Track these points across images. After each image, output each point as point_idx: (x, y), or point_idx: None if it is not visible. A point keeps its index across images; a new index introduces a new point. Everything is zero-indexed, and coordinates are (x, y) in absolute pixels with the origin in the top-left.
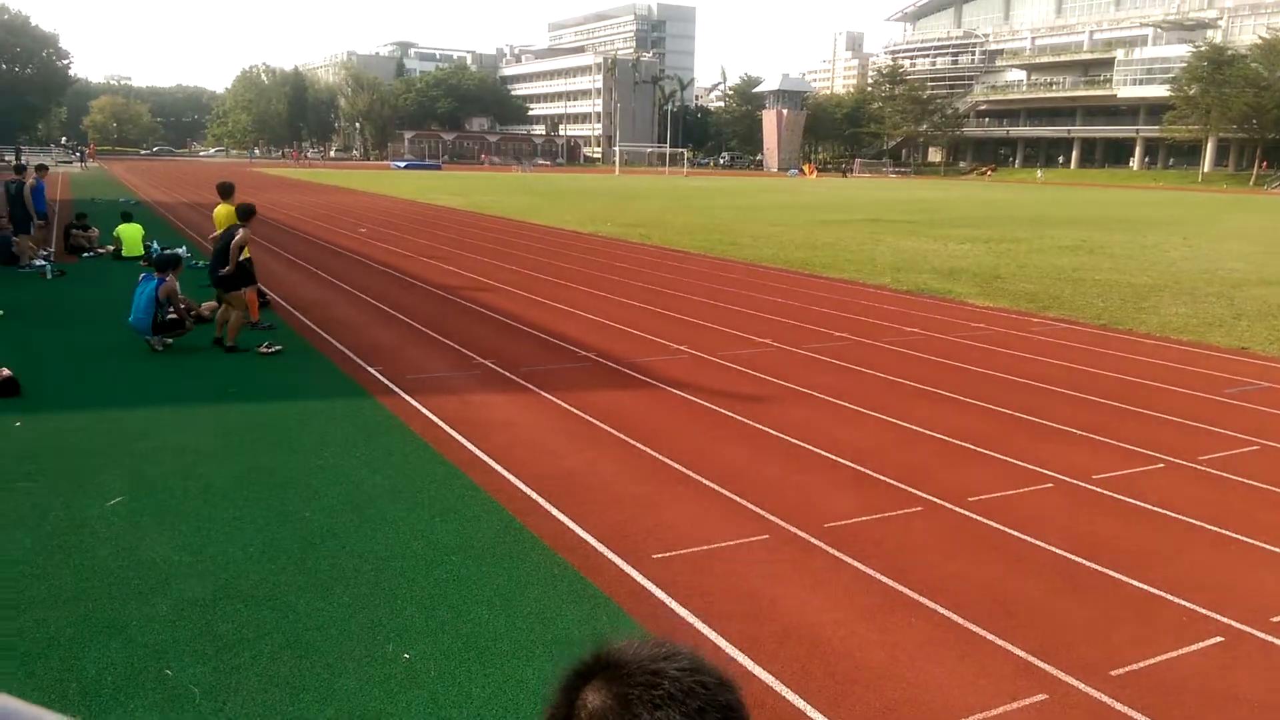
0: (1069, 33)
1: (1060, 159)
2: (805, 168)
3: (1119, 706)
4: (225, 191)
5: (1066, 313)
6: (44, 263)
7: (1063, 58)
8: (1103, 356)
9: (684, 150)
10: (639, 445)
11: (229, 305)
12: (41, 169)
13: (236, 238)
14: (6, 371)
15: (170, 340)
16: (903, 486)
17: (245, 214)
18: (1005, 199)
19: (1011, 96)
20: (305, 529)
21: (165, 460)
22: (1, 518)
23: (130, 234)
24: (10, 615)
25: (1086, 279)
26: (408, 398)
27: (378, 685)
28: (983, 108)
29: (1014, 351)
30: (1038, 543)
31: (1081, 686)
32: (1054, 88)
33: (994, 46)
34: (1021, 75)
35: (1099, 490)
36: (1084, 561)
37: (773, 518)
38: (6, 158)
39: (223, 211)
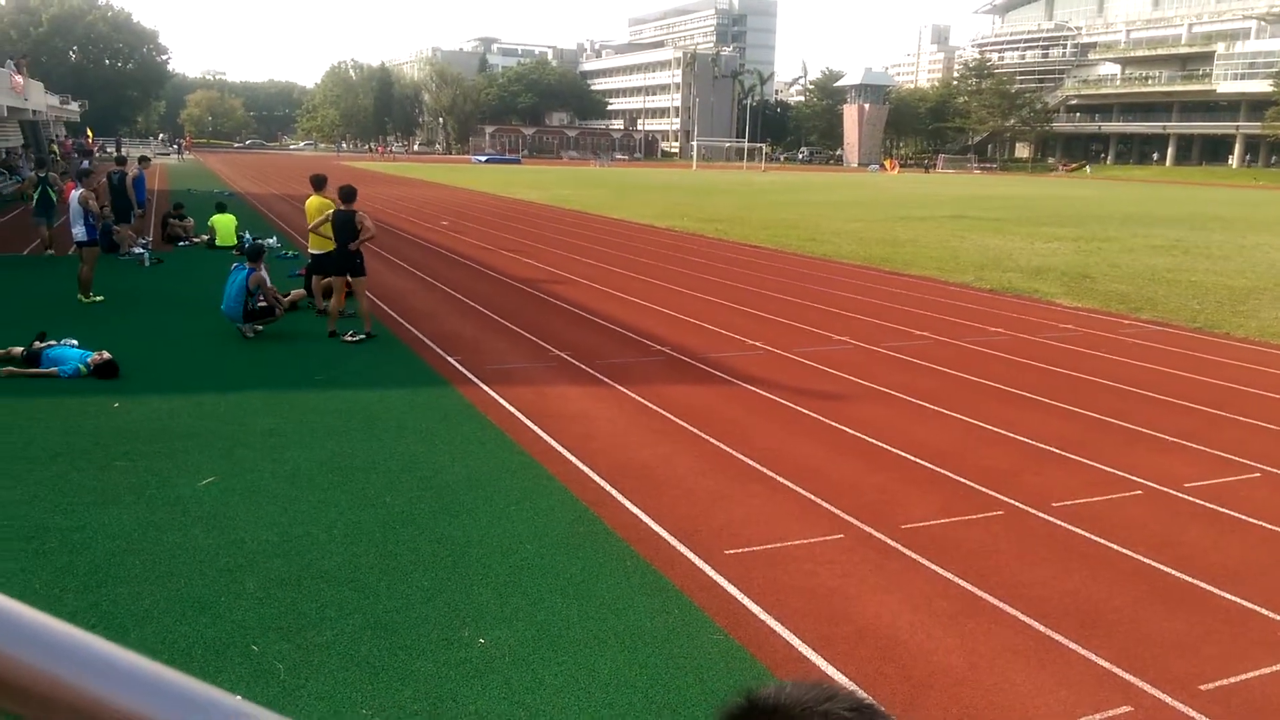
0: (1166, 25)
1: (1155, 156)
2: (887, 163)
3: None
4: (318, 184)
5: (1160, 315)
6: (142, 251)
7: (1159, 51)
8: (1198, 361)
9: (762, 145)
10: (713, 440)
11: (354, 293)
12: (144, 160)
13: (360, 215)
14: (106, 354)
15: (260, 327)
16: (983, 489)
17: (349, 196)
18: (1096, 196)
19: (1104, 91)
20: (386, 513)
21: (254, 443)
22: (101, 495)
23: (224, 224)
24: (108, 587)
25: (1182, 280)
26: (485, 388)
27: (454, 669)
28: (1073, 102)
29: (1103, 354)
30: (1125, 551)
31: (1168, 700)
32: (1149, 82)
33: (1086, 39)
34: (1115, 69)
35: (1191, 499)
36: (1173, 572)
37: (848, 517)
38: (108, 149)
39: (315, 203)
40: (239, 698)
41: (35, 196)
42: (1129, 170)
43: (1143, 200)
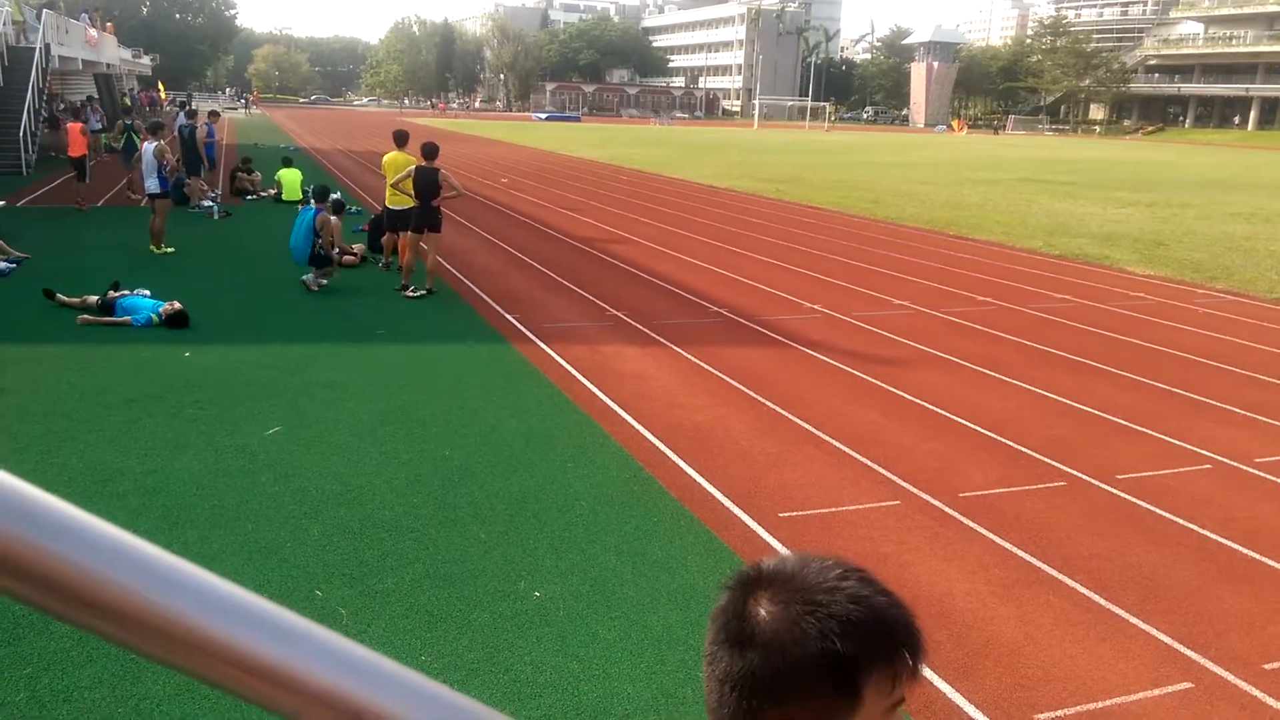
0: None
1: (1236, 119)
2: (954, 123)
3: (1271, 702)
4: (400, 139)
5: (1236, 284)
6: (211, 204)
7: (1245, 10)
8: (1273, 333)
9: (826, 104)
10: (769, 403)
11: (422, 249)
12: (213, 115)
13: (443, 172)
14: (177, 305)
15: (324, 281)
16: (1045, 459)
17: (432, 153)
18: (1173, 160)
19: (1185, 51)
20: (445, 467)
21: (318, 395)
22: (173, 441)
23: (290, 179)
24: (179, 530)
25: (1260, 249)
26: (543, 345)
27: (510, 620)
28: (1152, 62)
29: (1174, 324)
30: (1191, 526)
31: (1230, 678)
32: (1234, 42)
33: None
34: (1198, 28)
35: (1262, 474)
36: (1240, 548)
37: (905, 483)
38: (179, 102)
39: (398, 159)
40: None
41: (122, 142)
42: (1208, 134)
43: (1222, 165)
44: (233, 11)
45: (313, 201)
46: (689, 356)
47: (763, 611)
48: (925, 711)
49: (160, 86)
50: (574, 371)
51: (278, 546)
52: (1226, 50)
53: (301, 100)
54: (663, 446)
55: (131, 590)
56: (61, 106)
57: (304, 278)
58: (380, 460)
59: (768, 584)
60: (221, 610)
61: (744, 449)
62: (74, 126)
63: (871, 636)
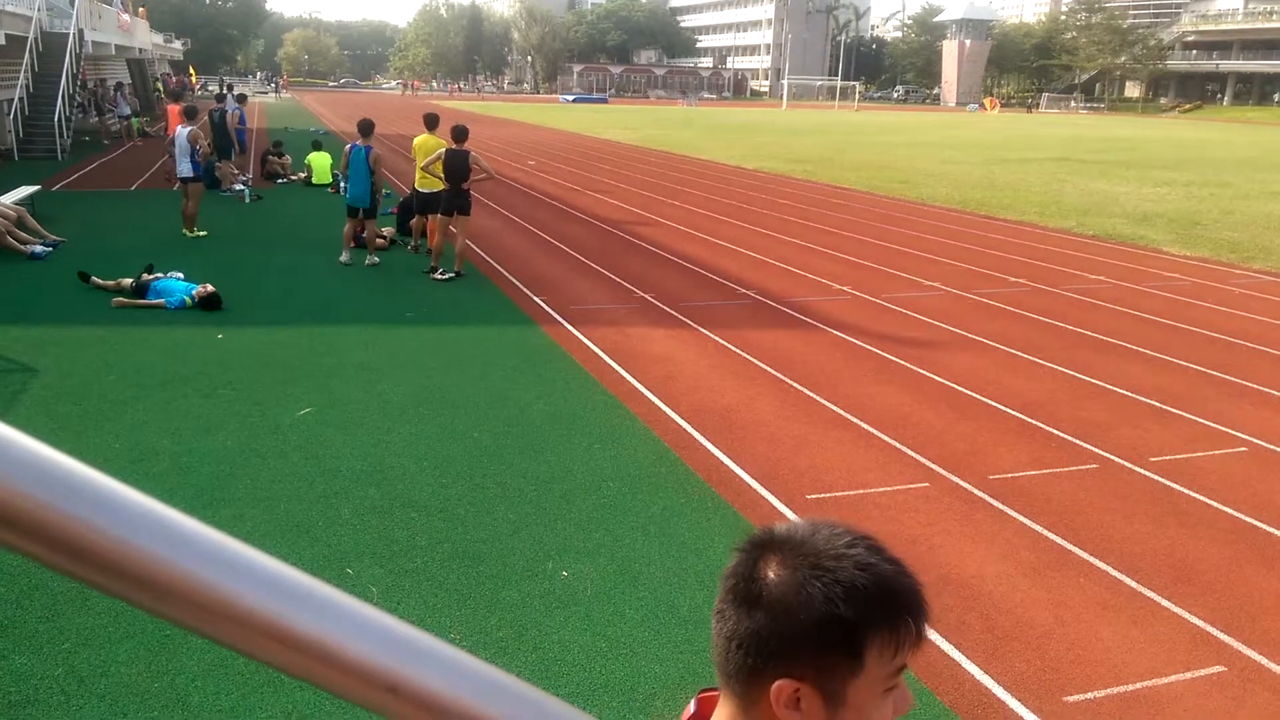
0: None
1: (1276, 97)
2: (987, 102)
3: None
4: (431, 123)
5: (1275, 265)
6: (243, 188)
7: None
8: None
9: (856, 84)
10: (796, 385)
11: (451, 232)
12: (241, 99)
13: (473, 155)
14: (210, 287)
15: (378, 259)
16: (1077, 441)
17: (462, 135)
18: (1211, 139)
19: (1224, 27)
20: (474, 447)
21: (349, 376)
22: (206, 421)
23: (320, 162)
24: (213, 509)
25: None
26: (570, 327)
27: (537, 599)
28: (1190, 39)
29: (1211, 305)
30: (1225, 509)
31: (1264, 662)
32: (1274, 17)
33: None
34: (1238, 3)
35: None
36: (1275, 531)
37: (934, 466)
38: (210, 87)
39: (428, 142)
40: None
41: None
42: (1247, 111)
43: (1261, 143)
44: None
45: (360, 139)
46: (716, 338)
47: (771, 574)
48: (955, 693)
49: (191, 71)
50: (601, 353)
51: (309, 525)
52: (1267, 26)
53: (330, 84)
54: (690, 428)
55: (169, 560)
56: (106, 92)
57: (341, 258)
58: (410, 440)
59: (778, 548)
60: (257, 581)
61: (771, 431)
62: (173, 108)
63: (876, 602)
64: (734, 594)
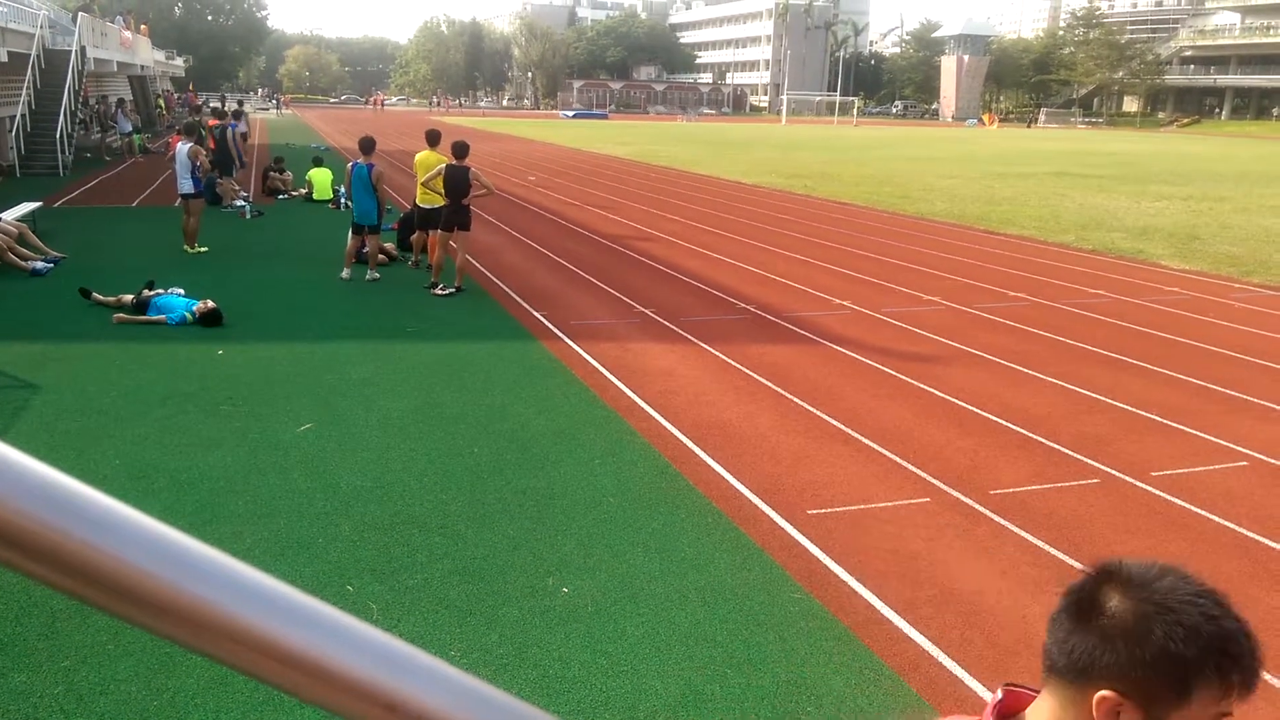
0: None
1: (1275, 111)
2: (985, 117)
3: None
4: (432, 139)
5: (1274, 278)
6: (244, 204)
7: None
8: None
9: (854, 99)
10: (797, 400)
11: (452, 248)
12: (238, 115)
13: (474, 171)
14: (211, 303)
15: (378, 275)
16: (1078, 456)
17: (462, 152)
18: (1209, 153)
19: (1222, 41)
20: (474, 463)
21: (349, 392)
22: (207, 438)
23: (321, 179)
24: (213, 525)
25: None
26: (570, 342)
27: (538, 616)
28: (1188, 54)
29: (1211, 318)
30: (1227, 524)
31: (1273, 681)
32: (1271, 32)
33: None
34: (1235, 18)
35: None
36: (1278, 546)
37: (935, 481)
38: (211, 104)
39: (429, 158)
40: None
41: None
42: (1245, 126)
43: (1260, 158)
44: (264, 13)
45: (362, 157)
46: (717, 353)
47: (1114, 603)
48: (958, 711)
49: (191, 88)
50: (602, 368)
51: (310, 542)
52: (1264, 40)
53: (332, 100)
54: (690, 443)
55: (168, 580)
56: (107, 109)
57: (342, 274)
58: (410, 456)
59: (1125, 581)
60: (255, 599)
61: (772, 446)
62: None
63: (1214, 651)
64: (1073, 609)
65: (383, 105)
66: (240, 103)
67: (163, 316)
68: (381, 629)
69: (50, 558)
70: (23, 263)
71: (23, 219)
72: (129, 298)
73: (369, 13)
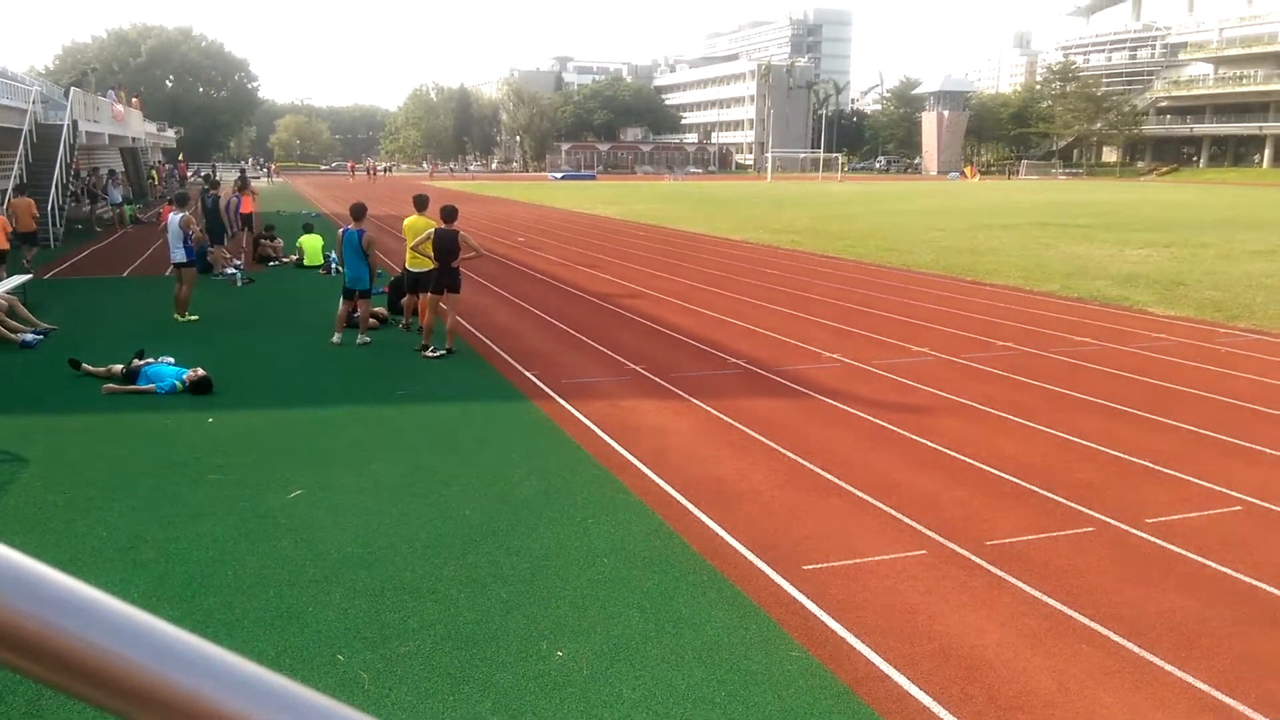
0: (1261, 23)
1: (1255, 158)
2: (967, 170)
3: None
4: (421, 204)
5: (1258, 323)
6: (235, 271)
7: (1254, 50)
8: None
9: (838, 155)
10: (790, 454)
11: (442, 310)
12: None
13: (462, 234)
14: (201, 371)
15: (369, 339)
16: (1073, 505)
17: (451, 215)
18: (1190, 201)
19: (1196, 92)
20: (466, 526)
21: (339, 456)
22: (196, 507)
23: (311, 245)
24: (201, 597)
25: None
26: (562, 401)
27: (533, 681)
28: (1163, 104)
29: (1198, 364)
30: (1223, 569)
31: None
32: (1244, 81)
33: (1176, 39)
34: (1208, 69)
35: None
36: (1275, 591)
37: (930, 533)
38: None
39: (417, 223)
40: (332, 699)
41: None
42: (1223, 173)
43: (1239, 204)
44: (255, 84)
45: (353, 223)
46: (708, 409)
47: None
48: None
49: (181, 158)
50: (593, 426)
51: (299, 612)
52: (1238, 90)
53: (322, 168)
54: (684, 500)
55: (141, 666)
56: (98, 180)
57: (333, 339)
58: (401, 520)
59: None
60: (230, 683)
61: (766, 501)
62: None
63: None
64: None
65: (376, 172)
66: (243, 171)
67: (153, 385)
68: (356, 706)
69: (27, 650)
70: (12, 335)
71: (13, 292)
72: (119, 368)
73: (358, 82)
